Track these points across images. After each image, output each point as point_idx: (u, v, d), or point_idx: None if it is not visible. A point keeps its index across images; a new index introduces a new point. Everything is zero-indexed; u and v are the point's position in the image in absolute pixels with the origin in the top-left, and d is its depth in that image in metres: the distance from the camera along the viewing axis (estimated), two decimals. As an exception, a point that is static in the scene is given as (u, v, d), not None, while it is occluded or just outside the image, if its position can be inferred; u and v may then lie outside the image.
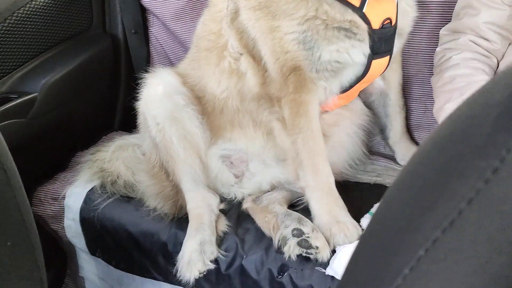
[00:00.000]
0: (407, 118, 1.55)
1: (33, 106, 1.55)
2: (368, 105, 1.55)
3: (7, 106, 1.48)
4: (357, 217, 1.26)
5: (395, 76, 1.48)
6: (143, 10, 1.88)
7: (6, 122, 1.45)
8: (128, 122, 1.80)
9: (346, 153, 1.46)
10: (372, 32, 1.20)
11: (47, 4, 1.63)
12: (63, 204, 1.55)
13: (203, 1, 1.77)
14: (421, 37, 1.48)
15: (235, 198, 1.45)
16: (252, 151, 1.42)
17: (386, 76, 1.45)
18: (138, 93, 1.48)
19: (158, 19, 1.87)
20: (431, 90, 1.50)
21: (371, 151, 1.59)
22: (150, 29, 1.91)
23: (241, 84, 1.36)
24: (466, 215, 0.35)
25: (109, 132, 1.87)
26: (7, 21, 1.50)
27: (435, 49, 1.42)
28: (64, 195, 1.55)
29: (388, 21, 1.22)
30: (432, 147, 0.42)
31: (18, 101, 1.51)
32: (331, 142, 1.41)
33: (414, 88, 1.54)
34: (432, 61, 1.46)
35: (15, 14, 1.52)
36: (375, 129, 1.58)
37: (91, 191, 1.53)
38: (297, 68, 1.22)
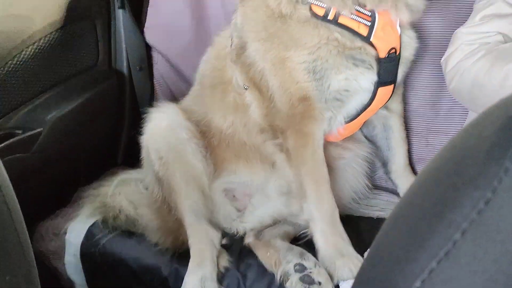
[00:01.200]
0: (409, 152, 1.55)
1: (37, 141, 1.56)
2: (371, 138, 1.55)
3: (11, 141, 1.50)
4: (360, 251, 1.25)
5: (397, 108, 1.49)
6: (148, 47, 1.93)
7: (9, 157, 1.46)
8: (132, 157, 1.80)
9: (349, 186, 1.46)
10: (379, 60, 1.23)
11: (55, 42, 1.67)
12: (64, 239, 1.54)
13: (207, 38, 1.82)
14: (421, 72, 1.50)
15: (237, 232, 1.43)
16: (256, 184, 1.42)
17: (388, 107, 1.46)
18: (142, 128, 1.49)
19: (162, 55, 1.91)
20: (432, 123, 1.52)
21: (374, 185, 1.59)
22: (155, 66, 1.95)
23: (247, 119, 1.38)
24: (460, 246, 0.35)
25: (113, 167, 1.87)
26: (15, 58, 1.54)
27: (433, 84, 1.44)
28: (66, 231, 1.54)
29: (394, 50, 1.25)
30: (428, 178, 0.42)
31: (22, 136, 1.53)
32: (334, 174, 1.41)
33: (415, 122, 1.55)
34: (432, 94, 1.48)
35: (23, 52, 1.56)
36: (377, 163, 1.58)
37: (93, 226, 1.52)
38: (306, 98, 1.24)
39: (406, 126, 1.54)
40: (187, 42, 1.85)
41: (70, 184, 1.75)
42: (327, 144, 1.38)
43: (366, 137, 1.55)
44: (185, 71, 1.87)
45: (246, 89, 1.35)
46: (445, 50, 1.34)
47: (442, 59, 1.32)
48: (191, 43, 1.84)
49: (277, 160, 1.36)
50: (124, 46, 1.91)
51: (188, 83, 1.80)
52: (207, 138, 1.45)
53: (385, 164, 1.54)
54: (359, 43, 1.21)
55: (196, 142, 1.42)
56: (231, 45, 1.38)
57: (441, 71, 1.43)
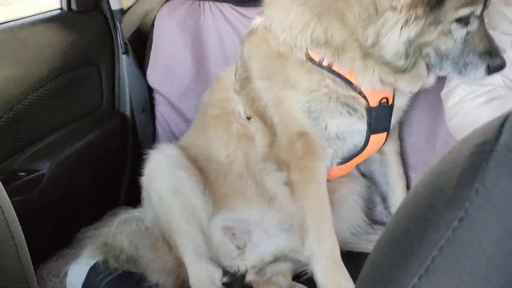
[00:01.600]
0: (408, 186, 1.56)
1: (40, 183, 1.59)
2: (369, 174, 1.57)
3: (15, 183, 1.52)
4: (361, 287, 1.23)
5: (392, 146, 1.51)
6: (150, 90, 1.99)
7: (12, 199, 1.47)
8: (134, 197, 1.82)
9: (347, 220, 1.46)
10: (369, 110, 1.25)
11: (61, 87, 1.73)
12: (65, 281, 1.53)
13: (207, 80, 1.88)
14: (416, 108, 1.53)
15: (238, 270, 1.43)
16: (255, 220, 1.43)
17: (384, 147, 1.48)
18: (143, 169, 1.52)
19: (164, 97, 1.97)
20: (429, 158, 1.54)
21: (374, 221, 1.58)
22: (156, 107, 2.00)
23: (248, 148, 1.40)
24: (438, 262, 0.37)
25: (115, 207, 1.88)
26: (22, 102, 1.59)
27: (429, 119, 1.47)
28: (67, 272, 1.54)
29: (385, 100, 1.27)
30: (410, 202, 0.45)
31: (26, 178, 1.56)
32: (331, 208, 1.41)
33: (412, 157, 1.57)
34: (428, 129, 1.51)
35: (29, 96, 1.61)
36: (377, 199, 1.59)
37: (94, 267, 1.51)
38: (305, 134, 1.27)
39: (403, 161, 1.56)
40: (188, 83, 1.91)
41: (72, 225, 1.76)
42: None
43: (364, 173, 1.57)
44: (186, 111, 1.92)
45: (248, 119, 1.38)
46: (441, 85, 1.37)
47: (442, 92, 1.35)
48: (192, 84, 1.90)
49: (280, 193, 1.36)
50: (127, 89, 1.97)
51: (188, 123, 1.84)
52: (205, 174, 1.47)
53: (384, 200, 1.55)
54: (351, 92, 1.22)
55: (195, 180, 1.44)
56: (235, 75, 1.42)
57: (436, 106, 1.47)
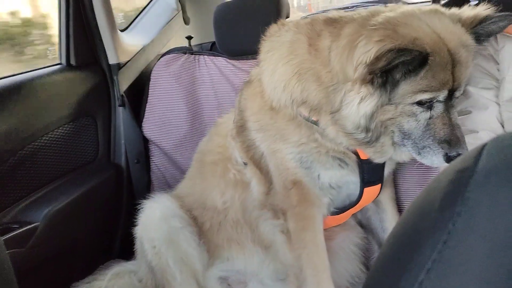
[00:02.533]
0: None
1: (33, 236, 1.56)
2: (365, 220, 1.56)
3: (7, 236, 1.50)
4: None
5: (387, 192, 1.51)
6: (145, 141, 2.01)
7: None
8: (128, 250, 1.79)
9: (344, 269, 1.44)
10: (361, 163, 1.26)
11: (57, 139, 1.74)
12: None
13: (201, 130, 1.91)
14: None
15: (234, 322, 1.38)
16: (251, 270, 1.40)
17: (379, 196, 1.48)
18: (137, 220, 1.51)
19: (159, 148, 1.99)
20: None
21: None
22: (151, 158, 2.02)
23: (244, 195, 1.40)
24: (427, 284, 0.37)
25: (107, 260, 1.84)
26: (17, 155, 1.59)
27: (423, 166, 1.48)
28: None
29: None
30: (399, 227, 0.46)
31: (19, 231, 1.53)
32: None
33: (407, 202, 1.57)
34: (421, 174, 1.51)
35: (25, 149, 1.62)
36: (374, 246, 1.57)
37: (85, 323, 1.46)
38: (298, 182, 1.27)
39: (398, 207, 1.55)
40: (182, 135, 1.95)
41: (64, 280, 1.71)
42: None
43: (360, 220, 1.56)
44: (181, 161, 1.94)
45: (245, 164, 1.39)
46: None
47: None
48: (187, 135, 1.93)
49: (276, 241, 1.35)
50: (122, 141, 2.00)
51: (183, 173, 1.84)
52: (200, 223, 1.46)
53: (381, 246, 1.53)
54: (340, 147, 1.22)
55: (189, 230, 1.43)
56: (234, 122, 1.44)
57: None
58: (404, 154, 1.20)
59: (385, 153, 1.17)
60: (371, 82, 1.01)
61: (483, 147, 0.39)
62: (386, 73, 0.99)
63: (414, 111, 1.05)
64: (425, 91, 1.01)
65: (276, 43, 1.27)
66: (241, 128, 1.39)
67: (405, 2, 2.88)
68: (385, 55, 0.92)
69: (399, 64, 0.95)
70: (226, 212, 1.42)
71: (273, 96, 1.24)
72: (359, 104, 1.05)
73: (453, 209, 0.37)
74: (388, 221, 1.51)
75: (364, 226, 1.58)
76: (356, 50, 1.01)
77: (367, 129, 1.08)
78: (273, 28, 1.32)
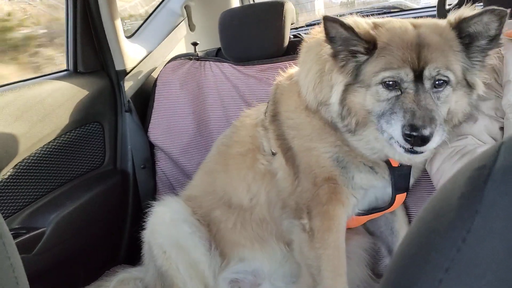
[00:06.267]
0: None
1: (40, 241, 1.56)
2: (374, 222, 1.55)
3: (15, 242, 1.49)
4: None
5: None
6: (152, 146, 2.02)
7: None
8: (133, 255, 1.79)
9: (353, 272, 1.43)
10: (392, 169, 1.27)
11: (64, 144, 1.75)
12: None
13: (207, 136, 1.92)
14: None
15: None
16: (268, 269, 1.39)
17: None
18: (144, 223, 1.50)
19: (165, 153, 1.99)
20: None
21: (380, 275, 1.54)
22: (157, 164, 2.02)
23: (270, 187, 1.39)
24: (446, 284, 0.37)
25: (113, 266, 1.84)
26: (25, 160, 1.60)
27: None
28: (63, 335, 1.48)
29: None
30: (415, 228, 0.46)
31: (26, 236, 1.54)
32: None
33: (416, 209, 1.56)
34: (430, 183, 1.51)
35: (31, 154, 1.63)
36: (383, 251, 1.56)
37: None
38: (331, 179, 1.27)
39: (407, 211, 1.54)
40: (188, 140, 1.95)
41: (70, 286, 1.71)
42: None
43: (367, 226, 1.55)
44: (186, 167, 1.94)
45: (274, 154, 1.38)
46: None
47: (426, 164, 1.38)
48: (193, 140, 1.93)
49: (296, 239, 1.33)
50: (129, 146, 2.00)
51: (189, 178, 1.85)
52: (218, 223, 1.44)
53: (390, 251, 1.52)
54: (369, 157, 1.23)
55: (200, 236, 1.42)
56: (265, 114, 1.44)
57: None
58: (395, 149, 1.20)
59: (374, 149, 1.21)
60: (340, 69, 1.13)
61: (500, 145, 0.39)
62: (346, 58, 1.11)
63: (380, 92, 1.09)
64: (386, 68, 1.06)
65: (313, 43, 1.29)
66: (274, 118, 1.39)
67: (409, 8, 2.90)
68: (325, 24, 1.08)
69: (348, 39, 1.08)
70: (252, 210, 1.41)
71: (307, 97, 1.27)
72: (334, 91, 1.15)
73: (472, 207, 0.37)
74: (397, 223, 1.51)
75: (371, 231, 1.57)
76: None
77: (342, 116, 1.16)
78: (315, 29, 1.33)
